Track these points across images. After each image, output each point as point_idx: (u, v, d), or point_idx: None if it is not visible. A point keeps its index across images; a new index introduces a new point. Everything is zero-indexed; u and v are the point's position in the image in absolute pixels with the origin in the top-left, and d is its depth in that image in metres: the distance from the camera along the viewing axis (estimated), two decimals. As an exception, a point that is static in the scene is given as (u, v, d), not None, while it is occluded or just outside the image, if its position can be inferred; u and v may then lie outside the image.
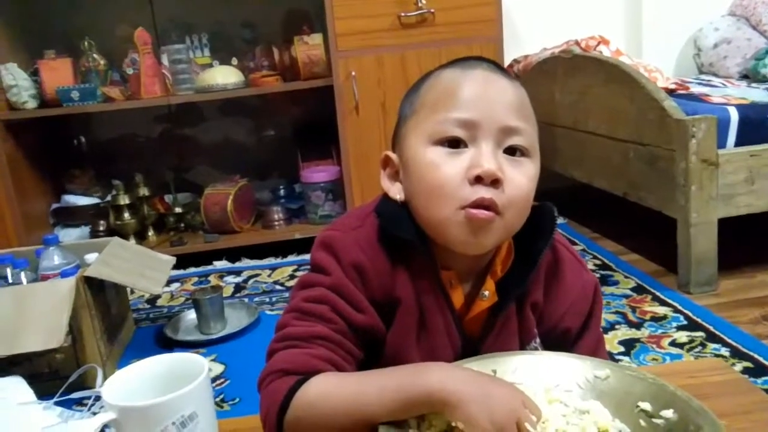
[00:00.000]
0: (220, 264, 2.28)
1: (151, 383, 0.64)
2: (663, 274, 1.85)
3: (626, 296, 1.72)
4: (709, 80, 2.44)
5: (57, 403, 1.24)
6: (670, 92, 1.99)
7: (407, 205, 0.69)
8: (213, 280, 2.15)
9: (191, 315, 1.77)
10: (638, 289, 1.76)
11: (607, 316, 1.58)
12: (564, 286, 0.75)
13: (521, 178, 0.65)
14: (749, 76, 2.44)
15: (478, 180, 0.62)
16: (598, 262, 1.99)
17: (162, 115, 2.60)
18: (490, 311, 0.72)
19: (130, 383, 0.64)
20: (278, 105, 2.62)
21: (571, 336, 0.77)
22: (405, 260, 0.69)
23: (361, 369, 0.69)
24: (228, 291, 2.02)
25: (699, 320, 1.54)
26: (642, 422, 0.62)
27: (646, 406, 0.62)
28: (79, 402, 1.31)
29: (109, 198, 2.36)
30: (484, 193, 0.62)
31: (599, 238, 2.24)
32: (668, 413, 0.61)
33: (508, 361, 0.68)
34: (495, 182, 0.62)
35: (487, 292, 0.71)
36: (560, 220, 2.25)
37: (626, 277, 1.85)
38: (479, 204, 0.63)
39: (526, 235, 0.70)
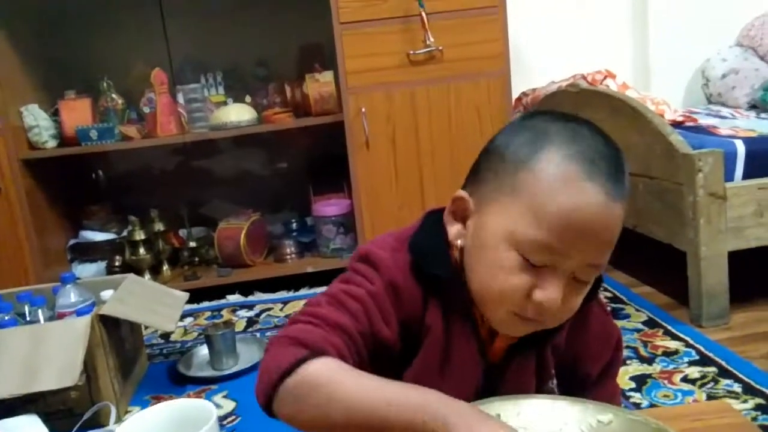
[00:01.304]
0: (233, 298, 2.30)
1: (162, 429, 0.66)
2: (675, 307, 1.85)
3: (638, 330, 1.71)
4: (718, 111, 2.45)
5: (71, 442, 1.26)
6: (678, 124, 2.01)
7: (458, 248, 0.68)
8: (226, 314, 2.17)
9: (204, 350, 1.79)
10: (650, 323, 1.75)
11: (618, 351, 1.58)
12: (588, 334, 0.75)
13: (577, 300, 0.65)
14: (758, 107, 2.45)
15: (538, 302, 0.62)
16: (609, 294, 1.99)
17: (177, 150, 2.66)
18: (510, 348, 0.73)
19: (143, 430, 0.66)
20: (290, 140, 2.67)
21: (588, 382, 0.78)
22: (437, 290, 0.70)
23: None
24: (240, 325, 2.04)
25: (711, 355, 1.53)
26: (644, 469, 0.62)
27: (648, 452, 0.63)
28: (93, 440, 1.33)
29: (125, 233, 2.41)
30: (538, 316, 0.64)
31: (610, 269, 2.23)
32: (670, 459, 0.61)
33: (513, 404, 0.69)
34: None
35: None
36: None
37: (637, 310, 1.84)
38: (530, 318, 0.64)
39: None
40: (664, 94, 2.43)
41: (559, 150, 0.60)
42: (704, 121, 2.17)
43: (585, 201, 0.59)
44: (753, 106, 2.48)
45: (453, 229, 0.69)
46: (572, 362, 0.77)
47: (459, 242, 0.68)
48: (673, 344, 1.61)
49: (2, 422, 1.23)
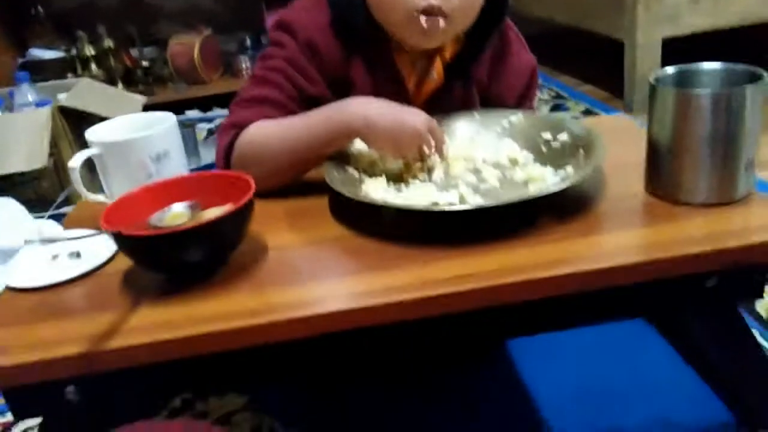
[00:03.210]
0: (192, 113, 2.34)
1: (129, 131, 0.74)
2: (612, 99, 1.96)
3: (575, 118, 1.83)
4: None
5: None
6: None
7: None
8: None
9: (167, 152, 1.86)
10: (587, 113, 1.87)
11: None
12: (507, 67, 0.82)
13: None
14: None
15: None
16: (552, 93, 2.09)
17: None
18: (438, 91, 0.81)
19: (112, 130, 0.74)
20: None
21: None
22: (359, 46, 0.75)
23: None
24: (200, 136, 2.10)
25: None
26: (543, 148, 0.74)
27: (546, 134, 0.75)
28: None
29: (74, 51, 2.36)
30: (432, 0, 0.68)
31: (556, 74, 2.32)
32: (563, 136, 0.73)
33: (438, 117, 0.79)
34: None
35: (435, 74, 0.79)
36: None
37: (577, 103, 1.96)
38: (428, 11, 0.68)
39: (477, 20, 0.75)
40: None
41: None
42: None
43: None
44: None
45: None
46: (494, 95, 0.84)
47: None
48: (604, 127, 1.74)
49: (-20, 202, 1.31)
